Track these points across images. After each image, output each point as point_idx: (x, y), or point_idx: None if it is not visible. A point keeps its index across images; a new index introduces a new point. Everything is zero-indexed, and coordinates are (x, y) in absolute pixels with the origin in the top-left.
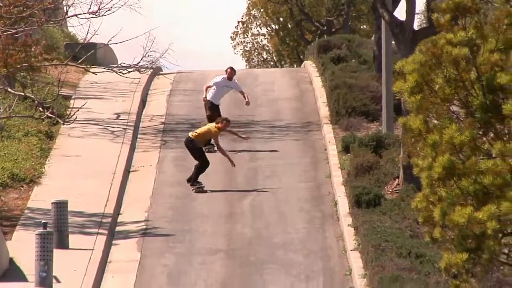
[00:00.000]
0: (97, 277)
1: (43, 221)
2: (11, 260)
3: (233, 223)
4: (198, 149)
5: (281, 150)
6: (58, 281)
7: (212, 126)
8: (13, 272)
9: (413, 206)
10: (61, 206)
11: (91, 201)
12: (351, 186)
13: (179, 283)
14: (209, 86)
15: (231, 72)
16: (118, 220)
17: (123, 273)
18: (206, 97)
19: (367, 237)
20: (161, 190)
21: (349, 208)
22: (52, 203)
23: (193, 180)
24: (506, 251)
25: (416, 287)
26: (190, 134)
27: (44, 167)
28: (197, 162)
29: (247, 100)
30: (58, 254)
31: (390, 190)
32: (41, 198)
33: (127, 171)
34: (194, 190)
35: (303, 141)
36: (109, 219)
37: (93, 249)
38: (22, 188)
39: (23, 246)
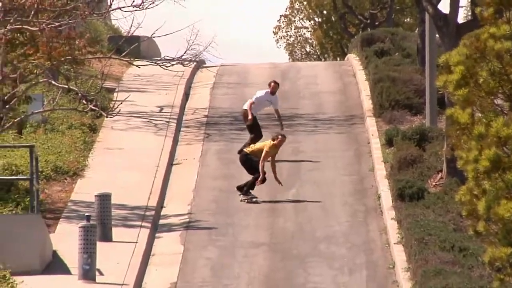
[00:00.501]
0: (140, 270)
1: (86, 214)
2: (54, 253)
3: (275, 217)
4: (254, 162)
5: (324, 143)
6: (101, 273)
7: (268, 142)
8: (56, 264)
9: (457, 199)
10: (104, 199)
11: (134, 194)
12: (394, 180)
13: (222, 276)
14: (253, 103)
15: (275, 86)
16: (161, 213)
17: (166, 266)
18: (251, 118)
19: (411, 231)
20: (204, 183)
21: (392, 202)
22: (95, 195)
23: (246, 191)
24: None
25: (459, 281)
26: (245, 149)
27: (87, 160)
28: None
29: (282, 125)
30: (101, 247)
31: (434, 184)
32: (84, 190)
33: (170, 164)
34: (246, 201)
35: (346, 134)
36: (152, 212)
37: (136, 242)
38: (65, 181)
39: (66, 238)
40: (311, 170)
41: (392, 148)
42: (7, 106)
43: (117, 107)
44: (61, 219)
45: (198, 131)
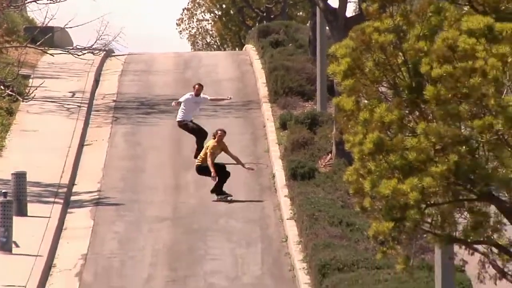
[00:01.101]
0: (53, 243)
1: (3, 191)
2: None
3: (178, 194)
4: (207, 168)
5: (223, 126)
6: (17, 245)
7: (209, 142)
8: None
9: (345, 178)
10: (20, 177)
11: (48, 172)
12: (288, 160)
13: (129, 248)
14: (178, 103)
15: (199, 88)
16: (73, 190)
17: (78, 239)
18: (174, 104)
19: (302, 207)
20: (113, 163)
21: (285, 181)
22: (12, 174)
23: (217, 194)
24: (429, 220)
25: (346, 253)
26: (196, 161)
27: (4, 141)
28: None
29: (227, 98)
30: (17, 221)
31: (324, 164)
32: (1, 169)
33: (81, 145)
34: (218, 199)
35: (244, 119)
36: (65, 189)
37: (49, 217)
38: None
39: None
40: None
41: (286, 131)
42: None
43: (32, 92)
44: None
45: (107, 115)
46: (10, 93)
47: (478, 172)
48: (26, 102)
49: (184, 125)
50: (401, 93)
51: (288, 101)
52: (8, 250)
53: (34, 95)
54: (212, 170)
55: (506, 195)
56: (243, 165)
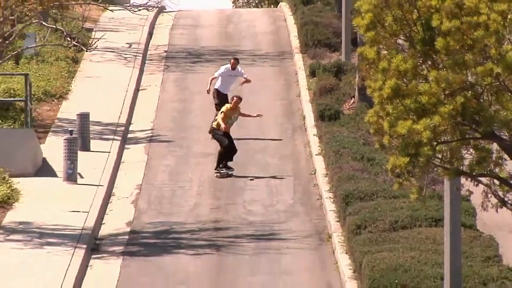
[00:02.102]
0: (112, 174)
1: (69, 129)
2: (44, 160)
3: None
4: (218, 136)
5: (260, 74)
6: (81, 177)
7: (224, 107)
8: (45, 169)
9: (366, 119)
10: (84, 117)
11: (108, 113)
12: (316, 104)
13: (178, 179)
14: (214, 78)
15: (235, 63)
16: (129, 129)
17: (133, 171)
18: (209, 89)
19: (329, 144)
20: (164, 105)
21: (314, 121)
22: (77, 114)
23: (216, 165)
24: (439, 156)
25: (367, 184)
26: (212, 124)
27: (70, 86)
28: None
29: (247, 80)
30: (81, 156)
31: (348, 107)
32: (68, 110)
33: (137, 90)
34: (217, 175)
35: (278, 67)
36: (122, 128)
37: (109, 152)
38: (53, 102)
39: (54, 149)
40: (250, 94)
41: (315, 78)
42: (6, 42)
43: (94, 43)
44: (49, 133)
45: (159, 63)
46: (76, 44)
47: (482, 114)
48: (89, 52)
49: (217, 95)
50: (415, 45)
51: (317, 52)
52: (74, 181)
53: (96, 45)
54: (222, 125)
55: (507, 134)
56: (257, 115)
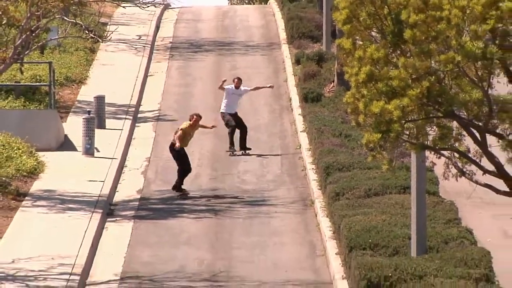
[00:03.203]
0: (125, 149)
1: (88, 110)
2: (65, 136)
3: (218, 113)
4: (177, 153)
5: (252, 62)
6: (98, 151)
7: (183, 125)
8: (67, 144)
9: (344, 101)
10: (100, 99)
11: (121, 96)
12: (301, 87)
13: None
14: (223, 86)
15: (238, 82)
16: (139, 110)
17: (143, 146)
18: (222, 87)
19: (312, 123)
20: (169, 89)
21: (299, 103)
22: (94, 97)
23: (178, 188)
24: (407, 132)
25: (345, 157)
26: (171, 141)
27: (88, 73)
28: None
29: (268, 85)
30: (98, 133)
31: (328, 90)
32: (86, 93)
33: (146, 76)
34: (178, 197)
35: (268, 56)
36: (133, 109)
37: (122, 129)
38: (73, 87)
39: (74, 127)
40: (244, 80)
41: (300, 65)
42: (33, 34)
43: (109, 36)
44: (70, 113)
45: (165, 53)
46: (93, 36)
47: (444, 96)
48: (104, 43)
49: (223, 117)
50: (387, 36)
51: (301, 43)
52: (91, 154)
53: (111, 37)
54: (177, 143)
55: (465, 113)
56: (210, 127)
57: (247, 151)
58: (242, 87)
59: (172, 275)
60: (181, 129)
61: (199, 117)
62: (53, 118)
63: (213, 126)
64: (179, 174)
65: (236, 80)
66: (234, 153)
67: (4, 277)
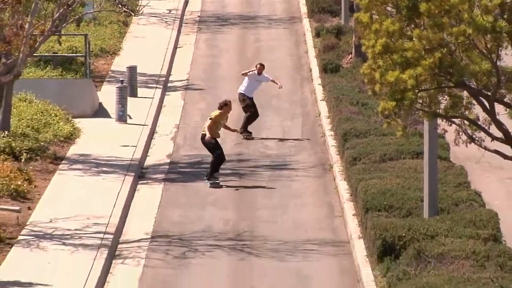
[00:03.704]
0: (156, 116)
1: (121, 79)
2: (100, 104)
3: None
4: (210, 143)
5: (275, 35)
6: (130, 118)
7: (213, 114)
8: (101, 111)
9: (361, 71)
10: (132, 69)
11: (152, 66)
12: (321, 59)
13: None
14: (246, 73)
15: (261, 68)
16: (169, 79)
17: (173, 113)
18: (246, 75)
19: (331, 92)
20: (197, 59)
21: (319, 73)
22: (126, 67)
23: (209, 175)
24: (420, 101)
25: (361, 124)
26: (202, 131)
27: (121, 44)
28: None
29: (279, 84)
30: (130, 101)
31: (346, 62)
32: (119, 64)
33: (175, 48)
34: (209, 185)
35: (289, 29)
36: (163, 78)
37: (153, 98)
38: (107, 57)
39: (108, 95)
40: (267, 52)
41: (319, 38)
42: (70, 8)
43: (141, 10)
44: (104, 82)
45: (193, 26)
46: (126, 10)
47: (455, 67)
48: (136, 16)
49: (243, 99)
50: (401, 10)
51: (321, 17)
52: (124, 121)
53: (142, 11)
54: (207, 135)
55: (474, 83)
56: (233, 130)
57: (247, 135)
58: (264, 74)
59: (199, 234)
60: (210, 119)
61: (228, 105)
62: (88, 87)
63: (235, 130)
64: (212, 163)
65: (259, 66)
66: (251, 136)
67: (43, 235)
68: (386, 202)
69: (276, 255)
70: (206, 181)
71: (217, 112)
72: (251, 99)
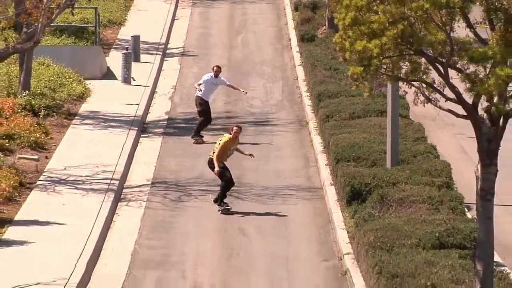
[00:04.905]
0: (155, 78)
1: (126, 46)
2: (108, 68)
3: (231, 49)
4: (222, 168)
5: (259, 9)
6: (134, 80)
7: (223, 139)
8: (109, 74)
9: (333, 41)
10: (136, 38)
11: (153, 35)
12: (298, 30)
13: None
14: (199, 84)
15: (217, 70)
16: (167, 47)
17: (170, 76)
18: (199, 89)
19: (307, 58)
20: (192, 29)
21: (297, 42)
22: (131, 36)
23: (220, 200)
24: (384, 66)
25: (333, 87)
26: (210, 155)
27: (127, 16)
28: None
29: (241, 90)
30: (134, 65)
31: (321, 32)
32: (125, 33)
33: (173, 20)
34: (220, 212)
35: (272, 4)
36: (162, 46)
37: (153, 63)
38: (114, 28)
39: (115, 60)
40: (252, 24)
41: (298, 12)
42: None
43: None
44: (112, 49)
45: (188, 1)
46: None
47: (414, 37)
48: None
49: (199, 103)
50: None
51: None
52: (128, 82)
53: None
54: (216, 164)
55: (431, 51)
56: (247, 154)
57: (197, 139)
58: (221, 77)
59: (193, 180)
60: (219, 144)
61: (239, 128)
62: (98, 53)
63: (250, 154)
64: (222, 187)
65: (215, 68)
66: (202, 140)
67: (58, 181)
68: (354, 154)
69: (259, 199)
70: (217, 206)
71: (226, 137)
72: (207, 103)
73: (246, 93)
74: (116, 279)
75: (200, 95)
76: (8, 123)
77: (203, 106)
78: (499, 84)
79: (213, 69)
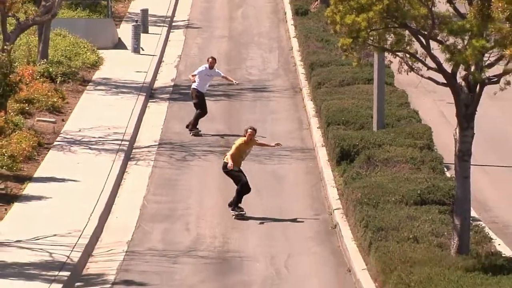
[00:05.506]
0: (163, 48)
1: (135, 19)
2: (119, 39)
3: (232, 22)
4: (233, 171)
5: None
6: (143, 49)
7: (238, 142)
8: (120, 45)
9: (325, 14)
10: (144, 12)
11: (161, 9)
12: (293, 4)
13: (204, 52)
14: (194, 75)
15: (212, 62)
16: (174, 19)
17: (176, 47)
18: (192, 79)
19: (301, 31)
20: (196, 4)
21: (292, 16)
22: (140, 9)
23: (234, 205)
24: (372, 38)
25: (324, 57)
26: (224, 158)
27: None
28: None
29: (233, 81)
30: (143, 36)
31: (313, 7)
32: (135, 7)
33: None
34: (234, 216)
35: None
36: (169, 19)
37: (160, 34)
38: (125, 2)
39: (125, 32)
40: (253, 7)
41: None
42: None
43: None
44: (123, 22)
45: None
46: None
47: (399, 12)
48: None
49: (196, 95)
50: None
51: None
52: (138, 52)
53: None
54: (230, 162)
55: (414, 24)
56: (274, 145)
57: (195, 132)
58: (216, 69)
59: (196, 142)
60: (235, 147)
61: (254, 130)
62: (110, 25)
63: (276, 144)
64: (238, 192)
65: (210, 59)
66: (200, 132)
67: (73, 141)
68: (343, 118)
69: (257, 159)
70: (231, 211)
71: (240, 140)
72: (203, 95)
73: (238, 84)
74: (126, 231)
75: (196, 87)
76: (28, 88)
77: (199, 99)
78: (475, 55)
79: (208, 60)
